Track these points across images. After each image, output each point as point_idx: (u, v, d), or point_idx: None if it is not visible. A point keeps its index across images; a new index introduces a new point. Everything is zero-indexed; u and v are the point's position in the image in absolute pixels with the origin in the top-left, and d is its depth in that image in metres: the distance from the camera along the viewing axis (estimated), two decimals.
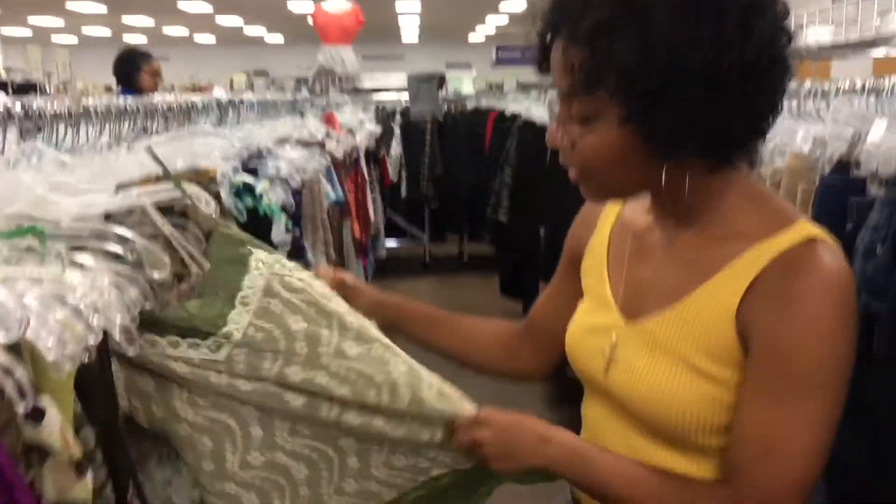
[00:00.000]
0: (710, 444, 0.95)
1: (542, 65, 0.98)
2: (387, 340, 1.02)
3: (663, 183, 0.92)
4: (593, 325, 1.09)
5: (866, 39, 2.82)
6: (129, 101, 1.55)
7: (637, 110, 0.87)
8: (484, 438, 1.01)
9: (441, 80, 7.03)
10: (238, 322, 0.90)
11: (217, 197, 1.05)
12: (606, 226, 1.13)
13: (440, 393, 1.03)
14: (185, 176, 1.07)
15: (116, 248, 0.93)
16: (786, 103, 1.99)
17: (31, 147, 1.20)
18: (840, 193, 1.37)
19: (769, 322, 0.88)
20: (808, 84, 1.90)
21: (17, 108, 1.16)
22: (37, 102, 1.21)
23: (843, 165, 1.42)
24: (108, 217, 1.02)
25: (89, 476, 0.84)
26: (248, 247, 0.95)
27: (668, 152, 0.90)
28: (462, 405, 1.05)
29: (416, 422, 1.03)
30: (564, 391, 3.53)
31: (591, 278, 1.12)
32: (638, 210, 1.08)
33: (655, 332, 0.99)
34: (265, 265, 0.93)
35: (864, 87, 1.59)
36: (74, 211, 1.05)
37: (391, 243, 6.21)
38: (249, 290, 0.91)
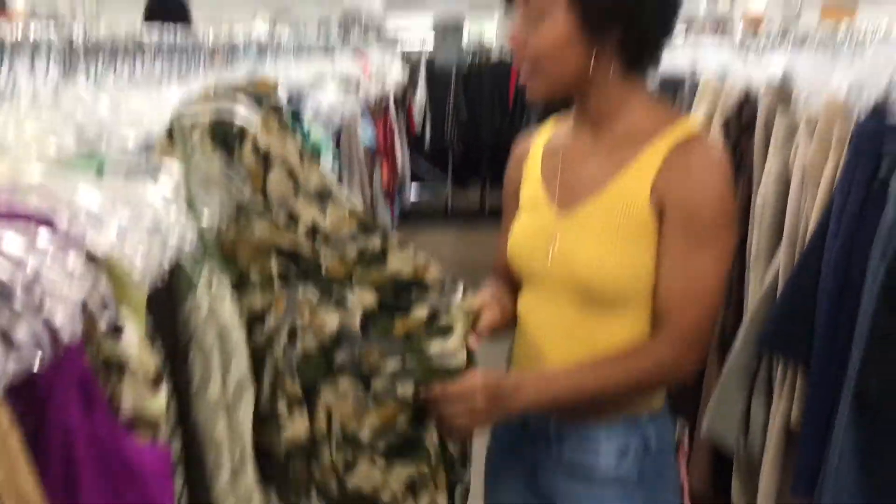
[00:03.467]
0: (637, 305, 1.19)
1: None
2: None
3: (591, 69, 1.16)
4: (533, 224, 1.28)
5: None
6: (179, 37, 1.58)
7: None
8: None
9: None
10: None
11: (278, 109, 1.07)
12: (538, 152, 1.34)
13: None
14: (244, 88, 1.08)
15: (170, 189, 0.96)
16: (820, 49, 1.99)
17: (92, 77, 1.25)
18: (874, 139, 1.39)
19: (678, 190, 1.14)
20: (843, 28, 1.90)
21: (80, 38, 1.19)
22: (98, 34, 1.24)
23: (879, 112, 1.43)
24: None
25: (163, 391, 0.84)
26: None
27: (599, 34, 1.13)
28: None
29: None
30: None
31: (528, 190, 1.32)
32: (561, 135, 1.31)
33: (586, 217, 1.21)
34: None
35: None
36: (136, 140, 1.10)
37: (414, 190, 6.23)
38: None
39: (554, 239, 1.23)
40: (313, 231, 1.06)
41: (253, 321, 1.06)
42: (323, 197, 1.06)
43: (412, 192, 6.04)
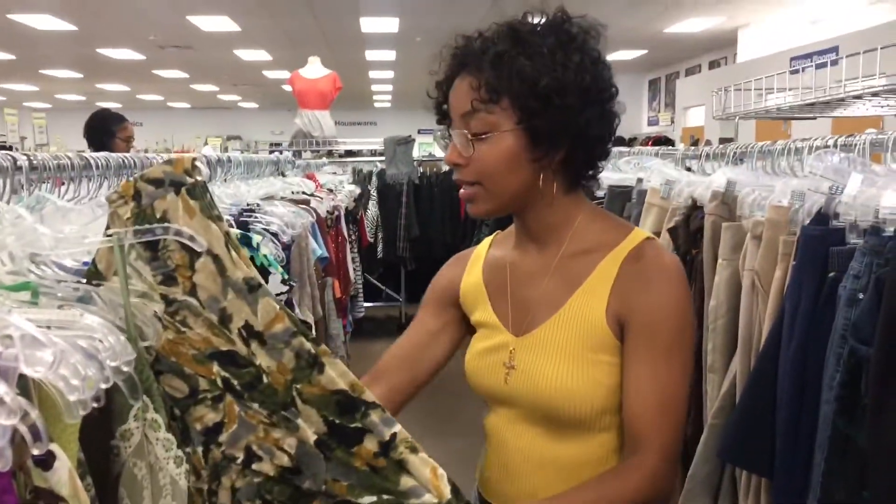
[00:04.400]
0: (603, 425, 1.15)
1: (442, 108, 1.21)
2: None
3: (537, 187, 1.16)
4: (488, 347, 1.25)
5: (822, 101, 3.02)
6: (128, 156, 1.57)
7: (529, 113, 1.11)
8: None
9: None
10: None
11: (197, 186, 0.96)
12: (477, 267, 1.32)
13: None
14: (160, 171, 0.96)
15: (106, 314, 0.92)
16: (760, 162, 2.07)
17: (39, 197, 1.23)
18: (821, 243, 1.42)
19: (638, 304, 1.13)
20: (780, 142, 1.98)
21: (23, 160, 1.17)
22: (42, 155, 1.23)
23: (823, 217, 1.47)
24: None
25: None
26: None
27: (547, 151, 1.13)
28: None
29: None
30: None
31: (478, 313, 1.29)
32: (503, 249, 1.30)
33: (544, 338, 1.18)
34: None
35: (835, 143, 1.66)
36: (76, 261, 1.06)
37: (367, 304, 6.18)
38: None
39: (511, 362, 1.20)
40: (247, 331, 0.98)
41: (208, 436, 0.99)
42: (252, 289, 0.97)
43: (365, 304, 5.99)
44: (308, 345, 0.98)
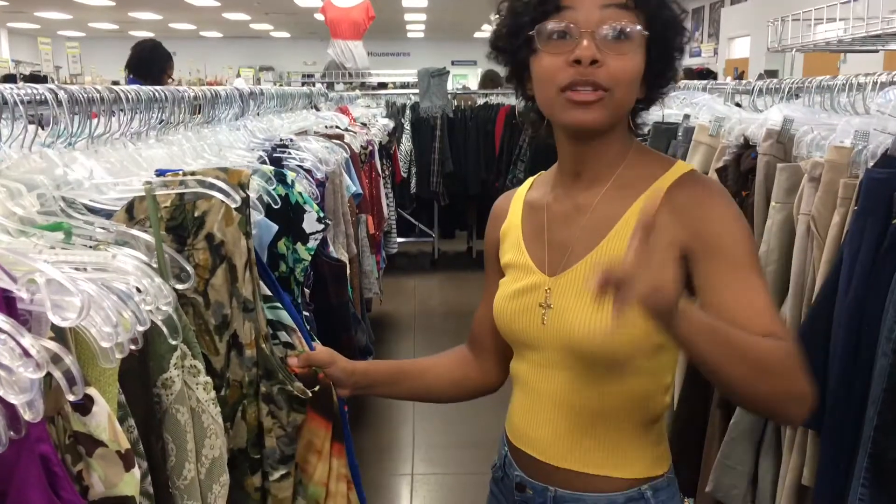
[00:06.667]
0: (633, 369, 1.11)
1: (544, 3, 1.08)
2: None
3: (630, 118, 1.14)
4: (520, 288, 1.19)
5: (873, 34, 2.81)
6: (159, 89, 1.52)
7: (663, 30, 1.07)
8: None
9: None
10: None
11: (245, 201, 1.04)
12: (517, 211, 1.26)
13: None
14: (214, 174, 1.05)
15: (142, 255, 0.92)
16: (818, 98, 1.96)
17: (63, 133, 1.19)
18: (886, 187, 1.34)
19: (701, 228, 1.05)
20: (841, 77, 1.87)
21: (62, 93, 1.14)
22: (73, 87, 1.18)
23: (889, 159, 1.38)
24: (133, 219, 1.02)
25: (136, 469, 0.83)
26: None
27: (648, 76, 1.09)
28: None
29: None
30: None
31: (511, 254, 1.24)
32: (542, 191, 1.24)
33: (579, 277, 1.12)
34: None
35: None
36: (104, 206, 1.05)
37: (400, 239, 6.17)
38: None
39: (547, 302, 1.15)
40: (234, 340, 1.06)
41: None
42: (248, 310, 1.06)
43: (398, 239, 5.98)
44: (254, 375, 1.09)
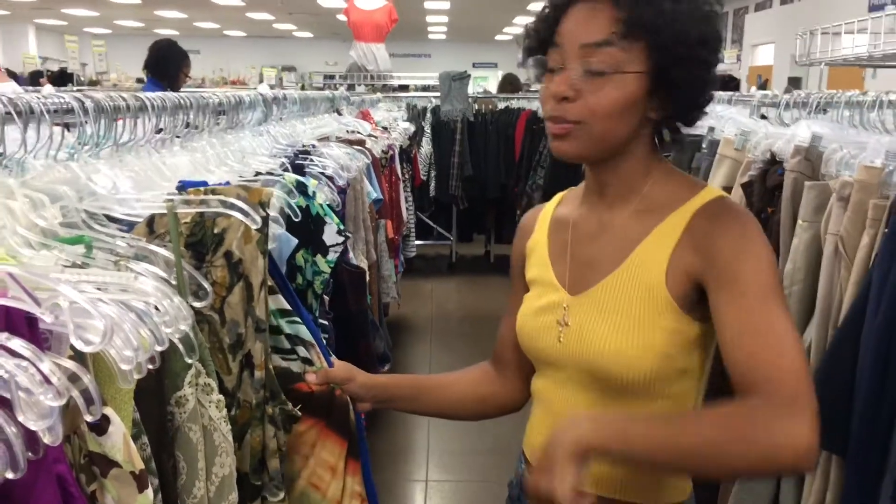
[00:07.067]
0: (654, 392, 1.07)
1: (540, 36, 1.12)
2: None
3: (638, 136, 1.09)
4: (542, 305, 1.18)
5: None
6: (184, 96, 1.52)
7: (669, 61, 1.03)
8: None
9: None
10: None
11: (265, 220, 1.04)
12: (544, 226, 1.26)
13: None
14: (235, 192, 1.04)
15: (161, 272, 0.91)
16: (847, 113, 1.93)
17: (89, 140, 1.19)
18: None
19: (716, 253, 1.02)
20: (871, 93, 1.84)
21: (88, 102, 1.14)
22: (98, 95, 1.18)
23: None
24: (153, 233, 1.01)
25: (150, 490, 0.82)
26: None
27: (665, 103, 1.07)
28: None
29: None
30: None
31: (536, 269, 1.24)
32: (570, 206, 1.24)
33: (600, 297, 1.11)
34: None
35: None
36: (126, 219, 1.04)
37: (418, 242, 6.17)
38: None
39: (565, 320, 1.14)
40: (246, 360, 1.05)
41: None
42: (260, 331, 1.05)
43: (416, 242, 5.97)
44: (262, 397, 1.07)
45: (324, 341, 1.30)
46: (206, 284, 0.96)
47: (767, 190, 1.90)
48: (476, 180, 6.35)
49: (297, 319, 1.20)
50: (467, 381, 1.37)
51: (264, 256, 1.03)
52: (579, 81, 1.05)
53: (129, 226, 1.04)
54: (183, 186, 1.08)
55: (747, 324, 0.97)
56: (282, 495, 1.11)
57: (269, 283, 1.23)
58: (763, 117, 2.61)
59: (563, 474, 0.88)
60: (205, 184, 1.10)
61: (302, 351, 1.21)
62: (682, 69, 1.04)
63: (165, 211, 0.97)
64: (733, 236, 1.03)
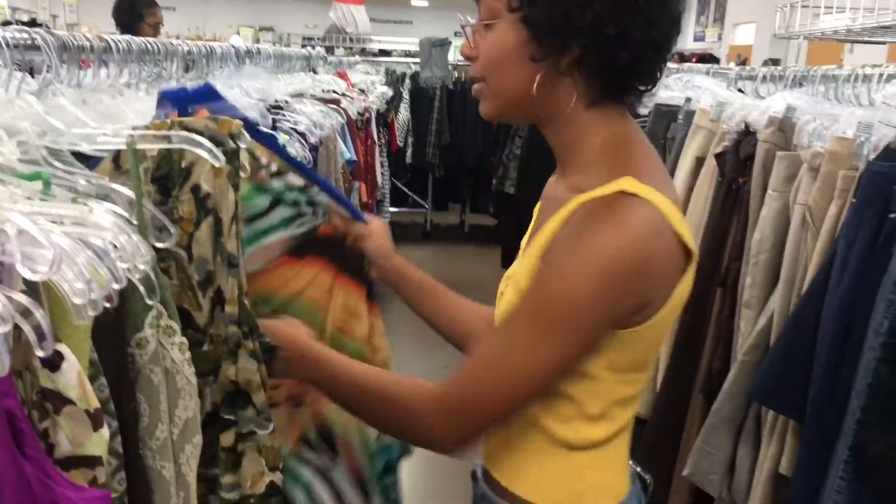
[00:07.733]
0: (556, 388, 0.98)
1: None
2: None
3: (556, 91, 0.98)
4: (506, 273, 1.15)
5: (883, 25, 2.74)
6: (151, 41, 1.48)
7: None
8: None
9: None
10: None
11: (235, 153, 0.99)
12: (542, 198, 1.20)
13: None
14: (203, 124, 1.01)
15: (122, 210, 0.89)
16: (822, 87, 1.94)
17: (50, 80, 1.16)
18: (886, 181, 1.32)
19: (548, 251, 0.96)
20: (847, 67, 1.84)
21: (51, 38, 1.10)
22: (64, 34, 1.15)
23: (891, 153, 1.36)
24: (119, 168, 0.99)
25: (105, 429, 0.81)
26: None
27: (550, 49, 0.94)
28: None
29: None
30: None
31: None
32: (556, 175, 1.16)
33: (513, 274, 1.07)
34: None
35: None
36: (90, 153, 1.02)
37: (392, 209, 6.13)
38: None
39: (502, 293, 1.11)
40: (218, 296, 1.02)
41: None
42: (232, 266, 1.02)
43: (391, 209, 5.94)
44: (236, 333, 1.05)
45: (350, 203, 1.35)
46: (169, 225, 0.93)
47: (740, 160, 1.91)
48: (453, 149, 6.32)
49: (314, 189, 1.26)
50: (483, 314, 1.29)
51: (236, 190, 0.99)
52: (475, 38, 1.03)
53: (97, 161, 1.01)
54: (164, 97, 1.05)
55: (499, 324, 1.01)
56: (271, 427, 1.10)
57: (275, 167, 1.23)
58: (740, 91, 2.62)
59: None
60: (184, 90, 1.06)
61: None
62: (537, 8, 0.94)
63: (124, 146, 0.94)
64: (570, 239, 0.93)
